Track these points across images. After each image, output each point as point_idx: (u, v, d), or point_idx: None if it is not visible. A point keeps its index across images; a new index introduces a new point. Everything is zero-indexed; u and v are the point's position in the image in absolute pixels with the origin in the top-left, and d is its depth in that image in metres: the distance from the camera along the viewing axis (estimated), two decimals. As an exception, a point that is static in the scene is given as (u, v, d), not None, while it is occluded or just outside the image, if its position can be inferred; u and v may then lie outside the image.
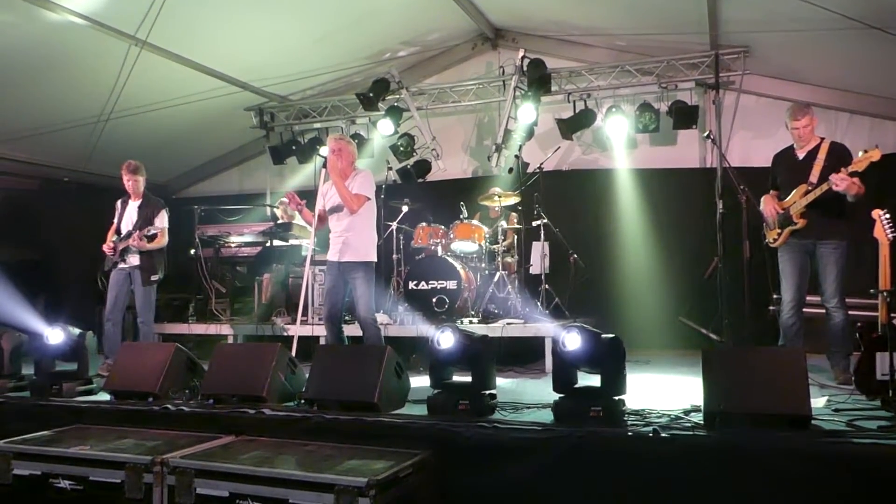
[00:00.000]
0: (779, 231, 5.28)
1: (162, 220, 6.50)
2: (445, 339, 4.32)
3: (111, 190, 6.61)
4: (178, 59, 7.66)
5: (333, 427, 4.10)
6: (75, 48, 7.03)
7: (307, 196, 6.07)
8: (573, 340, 3.96)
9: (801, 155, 5.28)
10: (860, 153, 4.83)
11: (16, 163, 8.98)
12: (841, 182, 4.82)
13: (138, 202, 6.56)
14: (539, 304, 7.09)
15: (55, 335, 5.34)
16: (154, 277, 6.47)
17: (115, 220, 6.61)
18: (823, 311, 5.25)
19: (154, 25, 6.31)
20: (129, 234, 6.40)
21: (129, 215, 6.55)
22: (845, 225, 5.12)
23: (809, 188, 5.08)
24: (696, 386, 3.92)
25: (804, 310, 5.33)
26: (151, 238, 6.34)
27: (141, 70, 6.90)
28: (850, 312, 5.13)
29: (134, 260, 6.43)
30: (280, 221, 8.27)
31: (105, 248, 6.49)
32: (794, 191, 5.19)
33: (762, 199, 5.45)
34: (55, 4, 6.30)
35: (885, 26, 5.64)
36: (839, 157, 5.06)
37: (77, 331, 5.41)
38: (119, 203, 6.66)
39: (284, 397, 4.68)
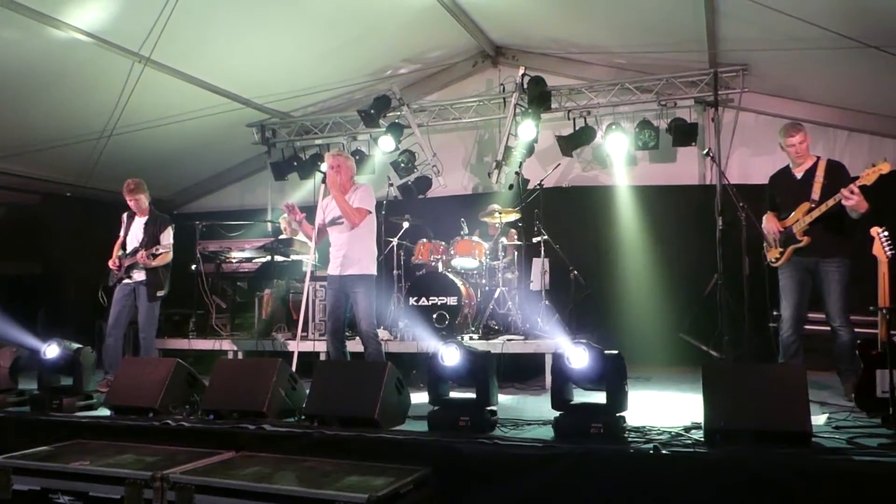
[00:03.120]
0: (781, 250, 5.27)
1: (167, 238, 6.52)
2: (450, 355, 4.33)
3: (113, 205, 6.63)
4: (181, 76, 7.71)
5: (334, 443, 4.11)
6: (79, 64, 7.08)
7: (307, 212, 6.08)
8: (580, 357, 3.97)
9: (798, 174, 5.29)
10: (869, 167, 4.82)
11: (19, 177, 9.01)
12: (851, 196, 4.79)
13: (144, 218, 6.59)
14: (539, 320, 7.09)
15: (51, 350, 5.34)
16: (160, 293, 6.48)
17: (122, 234, 6.63)
18: (824, 328, 5.25)
19: (158, 43, 6.36)
20: (135, 251, 6.42)
21: (135, 231, 6.56)
22: (847, 242, 5.09)
23: (812, 206, 5.08)
24: (696, 403, 3.93)
25: (805, 327, 5.33)
26: (157, 256, 6.35)
27: (144, 86, 6.94)
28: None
29: (139, 275, 6.44)
30: (283, 236, 8.28)
31: (111, 264, 6.51)
32: (796, 209, 5.19)
33: (763, 218, 5.44)
34: (60, 22, 6.35)
35: (881, 45, 5.69)
36: (838, 173, 5.08)
37: (75, 345, 5.41)
38: (125, 216, 6.68)
39: (285, 413, 4.68)
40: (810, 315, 5.35)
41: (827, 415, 4.41)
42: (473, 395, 4.29)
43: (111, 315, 6.44)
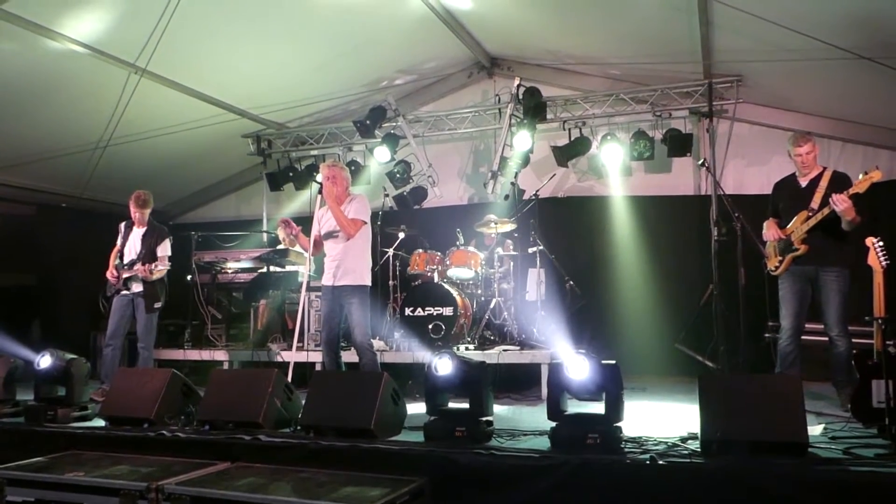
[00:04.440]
0: (780, 258, 5.28)
1: (165, 250, 6.54)
2: (443, 366, 4.33)
3: (108, 216, 6.63)
4: (177, 87, 7.72)
5: (329, 453, 4.09)
6: (75, 76, 7.09)
7: (303, 222, 6.09)
8: (580, 367, 3.97)
9: (803, 183, 5.30)
10: (861, 175, 4.86)
11: (14, 188, 9.00)
12: (841, 203, 4.84)
13: (143, 230, 6.59)
14: (535, 330, 7.09)
15: (45, 360, 5.33)
16: (157, 304, 6.49)
17: (119, 243, 6.62)
18: (820, 338, 5.25)
19: (154, 54, 6.37)
20: (132, 264, 6.42)
21: (132, 242, 6.56)
22: (846, 251, 5.10)
23: (810, 214, 5.11)
24: (692, 413, 3.92)
25: (802, 337, 5.33)
26: (156, 271, 6.36)
27: (140, 97, 6.95)
28: (846, 340, 5.11)
29: (137, 287, 6.45)
30: (280, 247, 8.27)
31: (108, 275, 6.50)
32: (795, 217, 5.22)
33: (764, 224, 5.46)
34: (56, 33, 6.36)
35: (875, 56, 5.73)
36: (841, 184, 5.09)
37: (68, 356, 5.40)
38: (123, 226, 6.68)
39: (280, 423, 4.66)
40: (806, 325, 5.36)
41: (823, 425, 4.41)
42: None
43: (110, 325, 6.46)
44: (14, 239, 9.26)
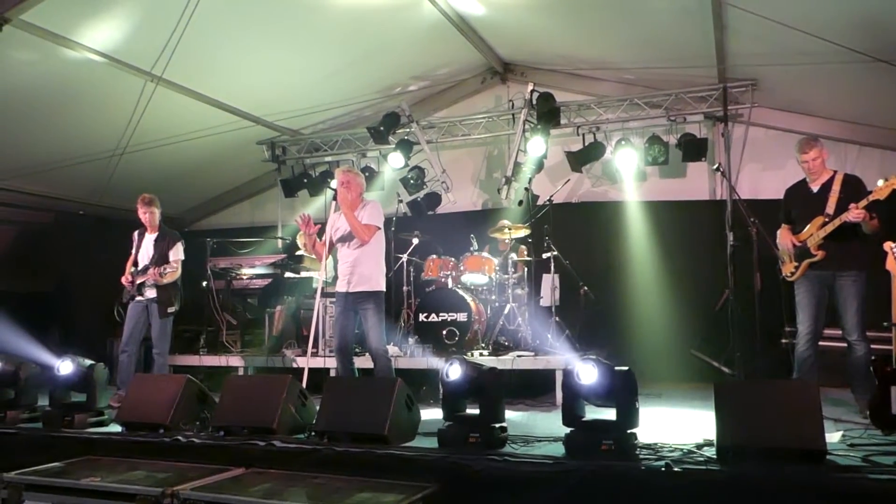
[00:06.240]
0: (796, 264, 5.23)
1: (177, 253, 6.59)
2: (454, 372, 4.33)
3: (126, 223, 6.68)
4: (193, 95, 7.78)
5: (344, 459, 4.10)
6: (92, 84, 7.16)
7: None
8: (589, 373, 3.95)
9: (815, 188, 5.25)
10: (880, 182, 4.79)
11: (32, 196, 9.09)
12: (856, 216, 4.80)
13: (154, 235, 6.65)
14: (549, 336, 7.07)
15: (65, 366, 5.38)
16: (171, 310, 6.53)
17: (133, 252, 6.70)
18: (838, 343, 5.20)
19: (169, 62, 6.43)
20: (145, 269, 6.48)
21: (145, 248, 6.63)
22: (864, 255, 5.04)
23: (826, 220, 5.06)
24: (708, 420, 3.90)
25: (820, 343, 5.27)
26: (167, 274, 6.41)
27: (156, 105, 7.03)
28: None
29: (151, 293, 6.50)
30: (299, 252, 8.27)
31: (124, 280, 6.57)
32: (811, 223, 5.16)
33: (778, 233, 5.41)
34: (74, 42, 6.43)
35: (891, 59, 5.68)
36: (854, 188, 5.05)
37: (88, 362, 5.45)
38: (136, 235, 6.75)
39: (295, 429, 4.67)
40: (824, 330, 5.30)
41: (842, 432, 4.36)
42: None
43: (125, 331, 6.51)
44: (33, 246, 9.35)
